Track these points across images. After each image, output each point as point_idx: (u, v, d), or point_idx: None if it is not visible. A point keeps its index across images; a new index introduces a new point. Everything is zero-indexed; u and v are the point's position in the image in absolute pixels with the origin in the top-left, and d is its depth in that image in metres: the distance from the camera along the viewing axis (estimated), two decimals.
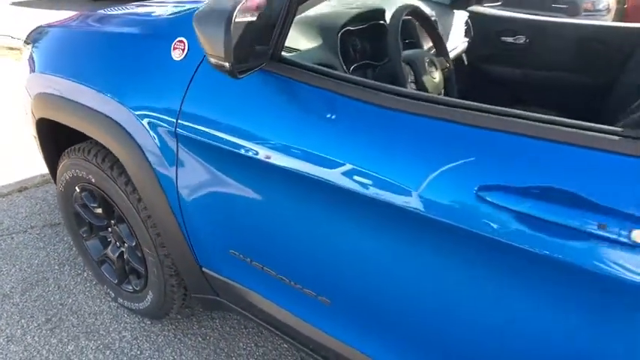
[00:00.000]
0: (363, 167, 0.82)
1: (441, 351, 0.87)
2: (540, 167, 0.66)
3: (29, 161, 2.58)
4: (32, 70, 1.50)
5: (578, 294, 0.65)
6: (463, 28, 1.96)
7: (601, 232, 0.59)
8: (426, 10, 1.64)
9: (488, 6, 2.05)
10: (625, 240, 0.58)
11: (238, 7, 0.72)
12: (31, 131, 1.67)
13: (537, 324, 0.70)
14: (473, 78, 2.01)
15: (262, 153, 0.95)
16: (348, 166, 0.84)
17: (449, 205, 0.72)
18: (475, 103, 0.74)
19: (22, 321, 1.62)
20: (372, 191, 0.81)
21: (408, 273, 0.84)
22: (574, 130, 0.66)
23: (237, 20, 0.72)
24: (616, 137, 0.63)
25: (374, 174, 0.81)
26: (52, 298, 1.72)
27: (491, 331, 0.76)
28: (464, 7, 1.97)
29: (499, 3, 2.28)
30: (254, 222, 1.05)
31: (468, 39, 1.99)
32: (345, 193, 0.84)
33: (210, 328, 1.62)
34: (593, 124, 0.66)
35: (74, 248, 1.90)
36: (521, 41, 1.94)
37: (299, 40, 1.15)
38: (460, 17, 1.96)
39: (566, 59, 1.92)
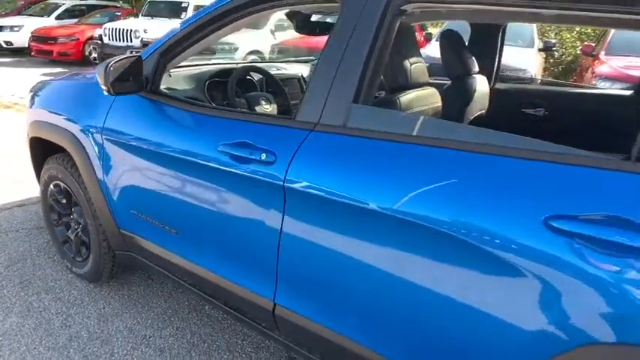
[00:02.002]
0: (194, 148, 1.52)
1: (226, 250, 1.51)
2: (246, 134, 1.36)
3: (30, 187, 3.33)
4: (31, 107, 2.29)
5: (255, 191, 1.34)
6: None
7: (252, 157, 1.28)
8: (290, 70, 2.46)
9: None
10: (259, 159, 1.27)
11: (113, 62, 1.48)
12: (28, 150, 2.43)
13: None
14: None
15: (144, 146, 1.65)
16: (189, 147, 1.54)
17: (214, 156, 1.41)
18: (237, 109, 1.46)
19: (3, 282, 2.26)
20: (198, 160, 1.49)
21: (216, 205, 1.51)
22: (270, 119, 1.37)
23: (112, 68, 1.47)
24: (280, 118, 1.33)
25: (198, 151, 1.50)
26: (27, 271, 2.37)
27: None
28: None
29: None
30: (141, 188, 1.73)
31: None
32: (192, 165, 1.52)
33: (135, 291, 2.24)
34: (279, 116, 1.36)
35: (51, 242, 2.56)
36: None
37: (181, 85, 1.91)
38: None
39: None
